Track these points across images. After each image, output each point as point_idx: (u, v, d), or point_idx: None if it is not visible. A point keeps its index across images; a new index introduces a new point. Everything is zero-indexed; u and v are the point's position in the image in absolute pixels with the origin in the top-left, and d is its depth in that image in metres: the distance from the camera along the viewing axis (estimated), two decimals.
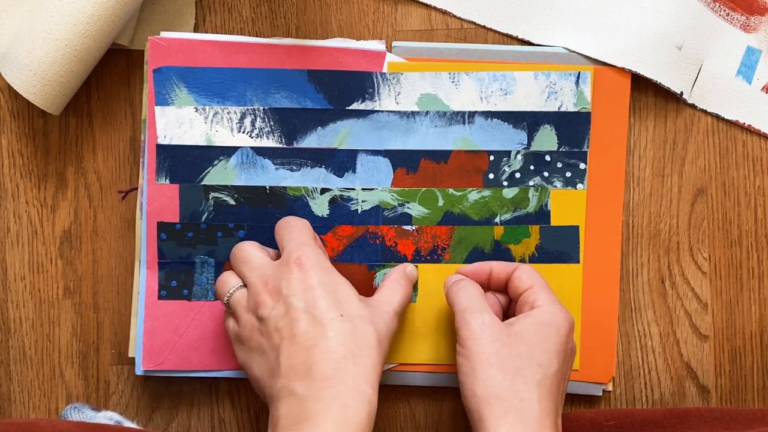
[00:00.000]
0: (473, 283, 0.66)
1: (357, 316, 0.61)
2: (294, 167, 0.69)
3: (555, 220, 0.70)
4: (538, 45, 0.71)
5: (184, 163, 0.69)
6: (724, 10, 0.71)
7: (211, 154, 0.69)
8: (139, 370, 0.70)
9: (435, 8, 0.72)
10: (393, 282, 0.67)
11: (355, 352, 0.59)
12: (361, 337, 0.60)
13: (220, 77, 0.69)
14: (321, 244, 0.68)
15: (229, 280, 0.65)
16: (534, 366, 0.61)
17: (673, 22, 0.69)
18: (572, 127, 0.70)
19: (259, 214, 0.69)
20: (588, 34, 0.70)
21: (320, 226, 0.69)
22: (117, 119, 0.72)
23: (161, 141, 0.69)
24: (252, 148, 0.69)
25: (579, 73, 0.70)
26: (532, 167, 0.70)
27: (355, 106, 0.69)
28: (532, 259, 0.70)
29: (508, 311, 0.69)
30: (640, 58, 0.69)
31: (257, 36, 0.71)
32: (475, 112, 0.70)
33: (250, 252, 0.64)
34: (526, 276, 0.66)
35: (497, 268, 0.68)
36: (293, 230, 0.65)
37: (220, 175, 0.69)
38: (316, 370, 0.58)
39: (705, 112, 0.72)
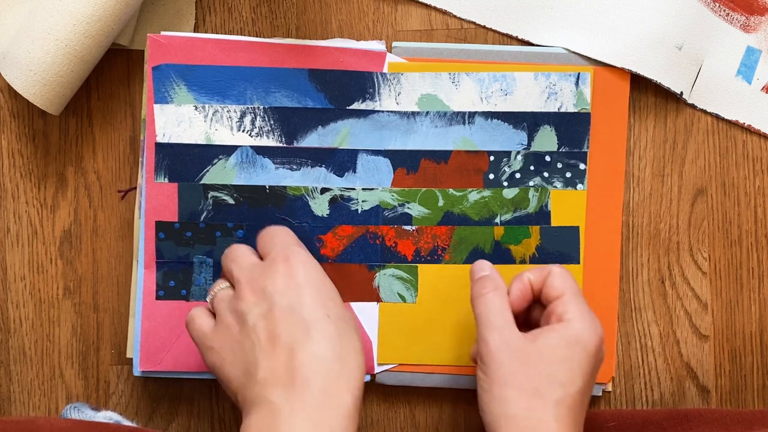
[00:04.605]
0: (498, 294, 0.62)
1: (341, 318, 0.58)
2: (294, 167, 0.69)
3: (555, 221, 0.70)
4: (537, 45, 0.71)
5: (183, 162, 0.69)
6: (724, 10, 0.71)
7: (211, 153, 0.69)
8: (137, 370, 0.69)
9: (435, 8, 0.72)
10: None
11: (343, 356, 0.56)
12: (348, 341, 0.57)
13: (220, 75, 0.69)
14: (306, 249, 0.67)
15: (219, 282, 0.63)
16: (555, 385, 0.58)
17: (673, 22, 0.69)
18: (572, 127, 0.70)
19: (259, 213, 0.69)
20: (588, 34, 0.70)
21: (320, 226, 0.69)
22: (117, 119, 0.72)
23: (160, 139, 0.69)
24: (252, 147, 0.69)
25: (579, 73, 0.70)
26: (532, 168, 0.70)
27: (355, 105, 0.69)
28: (533, 260, 0.70)
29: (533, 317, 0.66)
30: (639, 58, 0.69)
31: (257, 36, 0.71)
32: (475, 113, 0.70)
33: (241, 251, 0.63)
34: (558, 282, 0.62)
35: (533, 278, 0.64)
36: (275, 236, 0.63)
37: (219, 174, 0.69)
38: (299, 375, 0.55)
39: (705, 112, 0.72)
